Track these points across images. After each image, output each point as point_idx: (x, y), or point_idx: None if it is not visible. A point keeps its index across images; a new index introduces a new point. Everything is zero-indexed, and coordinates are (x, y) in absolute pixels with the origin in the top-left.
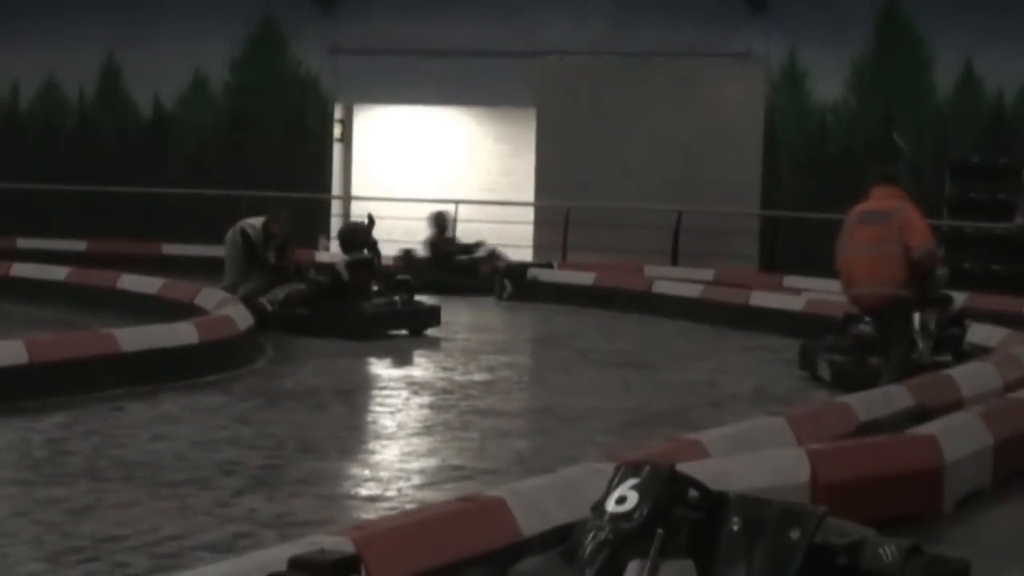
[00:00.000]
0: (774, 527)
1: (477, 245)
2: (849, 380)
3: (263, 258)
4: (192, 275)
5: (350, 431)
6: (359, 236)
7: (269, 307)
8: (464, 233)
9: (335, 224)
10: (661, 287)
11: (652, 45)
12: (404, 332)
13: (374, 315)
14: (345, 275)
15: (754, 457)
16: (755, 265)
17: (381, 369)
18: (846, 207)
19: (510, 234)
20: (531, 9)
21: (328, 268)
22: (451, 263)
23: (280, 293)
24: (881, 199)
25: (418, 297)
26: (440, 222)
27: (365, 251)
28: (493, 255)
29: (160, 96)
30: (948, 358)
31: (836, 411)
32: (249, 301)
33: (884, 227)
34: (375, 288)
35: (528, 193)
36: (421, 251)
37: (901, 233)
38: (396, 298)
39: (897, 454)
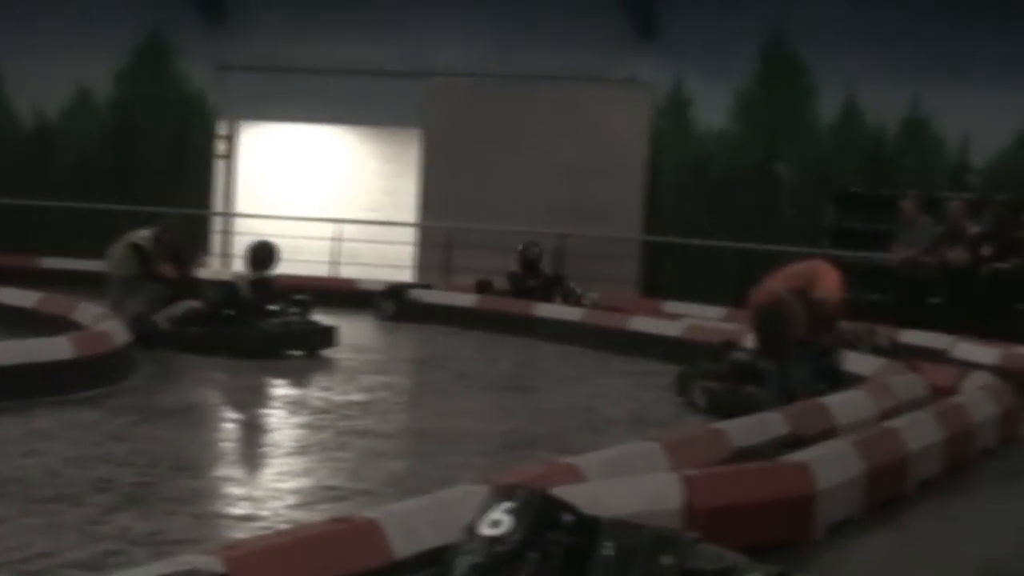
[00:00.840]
0: (646, 552)
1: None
2: (724, 407)
3: (155, 272)
4: (72, 290)
5: (225, 449)
6: (270, 255)
7: (163, 325)
8: (349, 253)
9: (216, 241)
10: (542, 310)
11: (539, 68)
12: (299, 352)
13: (271, 334)
14: (247, 293)
15: (629, 482)
16: (636, 290)
17: (259, 388)
18: (727, 234)
19: (392, 255)
20: (418, 30)
21: (226, 285)
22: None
23: (175, 311)
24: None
25: (316, 316)
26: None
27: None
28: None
29: (43, 107)
30: (824, 386)
31: (711, 437)
32: (142, 319)
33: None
34: (272, 307)
35: (412, 213)
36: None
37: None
38: (293, 317)
39: (770, 481)
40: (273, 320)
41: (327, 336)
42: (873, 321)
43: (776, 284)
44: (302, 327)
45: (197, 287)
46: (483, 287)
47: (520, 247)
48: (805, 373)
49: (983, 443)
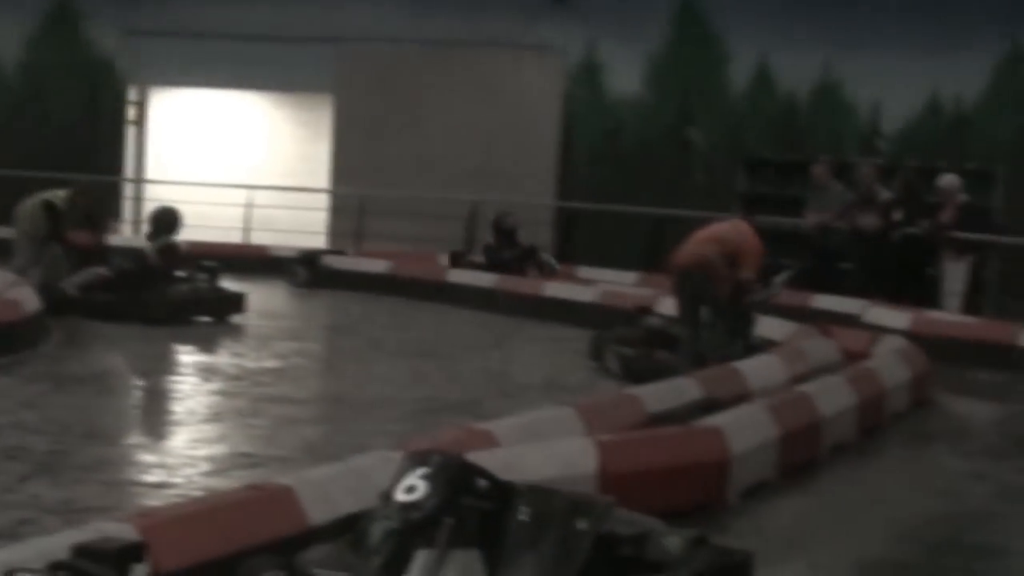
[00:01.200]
0: (561, 517)
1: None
2: (637, 372)
3: (64, 235)
4: None
5: (138, 417)
6: (173, 220)
7: (71, 291)
8: (262, 220)
9: (127, 208)
10: (456, 276)
11: (452, 34)
12: (208, 318)
13: (179, 301)
14: (155, 259)
15: (543, 447)
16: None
17: (172, 355)
18: (640, 199)
19: (306, 221)
20: None
21: (134, 252)
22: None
23: (82, 277)
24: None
25: (225, 283)
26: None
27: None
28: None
29: None
30: (735, 349)
31: (625, 402)
32: (49, 286)
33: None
34: (180, 274)
35: (325, 180)
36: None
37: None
38: (201, 284)
39: (684, 445)
40: (181, 287)
41: (236, 302)
42: (784, 286)
43: (703, 247)
44: (211, 293)
45: (105, 253)
46: (456, 258)
47: (494, 217)
48: (718, 338)
49: (895, 407)
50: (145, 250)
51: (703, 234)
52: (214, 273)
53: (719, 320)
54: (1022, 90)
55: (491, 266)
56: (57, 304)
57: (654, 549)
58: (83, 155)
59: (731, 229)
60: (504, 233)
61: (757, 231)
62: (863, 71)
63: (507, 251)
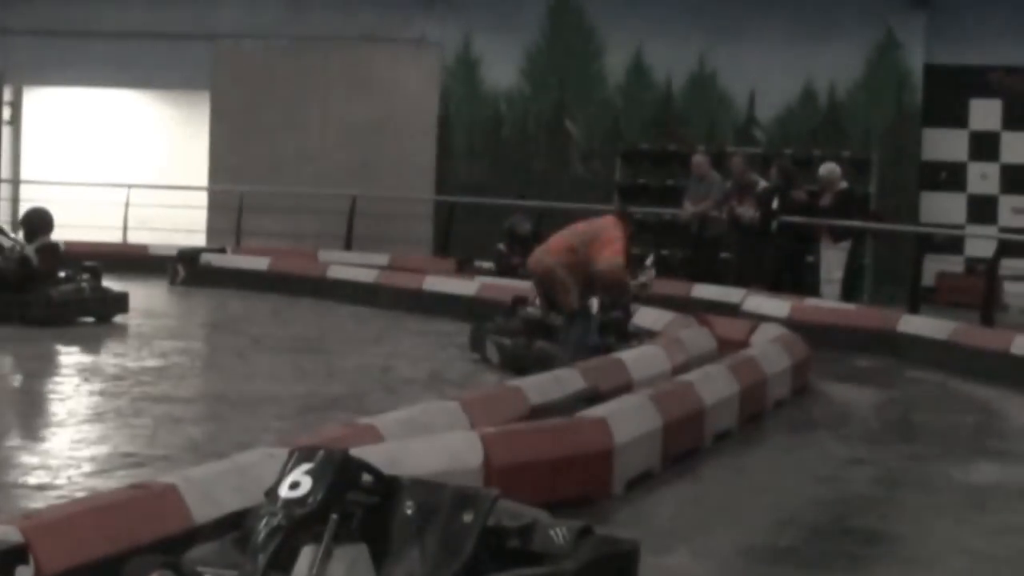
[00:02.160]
0: (447, 510)
1: None
2: (517, 362)
3: None
4: None
5: (18, 418)
6: (46, 221)
7: None
8: (140, 218)
9: (3, 209)
10: (336, 272)
11: (328, 29)
12: (90, 319)
13: (62, 302)
14: (34, 260)
15: (428, 441)
16: (429, 250)
17: (51, 356)
18: (519, 192)
19: (184, 219)
20: None
21: (12, 252)
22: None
23: None
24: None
25: (106, 283)
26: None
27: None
28: None
29: None
30: (611, 340)
31: (509, 394)
32: None
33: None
34: (62, 274)
35: (203, 177)
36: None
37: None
38: (84, 284)
39: (568, 437)
40: (64, 287)
41: (119, 302)
42: (663, 276)
43: (549, 257)
44: (93, 294)
45: None
46: (463, 265)
47: (508, 223)
48: (585, 330)
49: (776, 395)
50: (24, 251)
51: (557, 240)
52: (96, 273)
53: (585, 314)
54: (895, 77)
55: (501, 273)
56: None
57: (540, 540)
58: None
59: (588, 228)
60: (519, 239)
61: (634, 223)
62: (738, 61)
63: (518, 257)
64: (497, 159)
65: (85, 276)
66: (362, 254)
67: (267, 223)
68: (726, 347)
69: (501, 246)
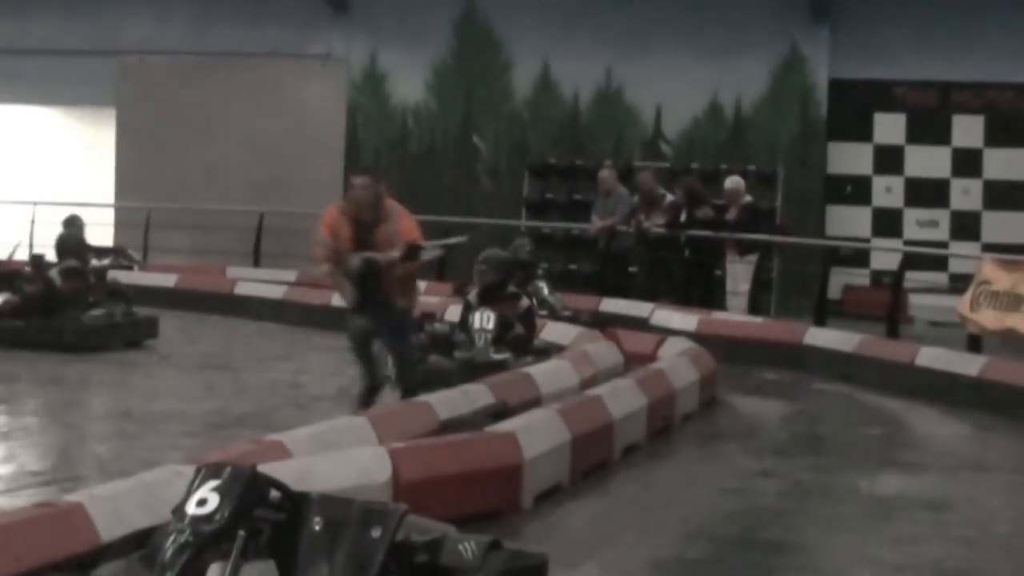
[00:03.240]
0: (355, 526)
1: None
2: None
3: None
4: None
5: None
6: (71, 243)
7: None
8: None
9: None
10: (243, 288)
11: (233, 45)
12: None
13: (93, 327)
14: (57, 282)
15: (336, 457)
16: None
17: None
18: (427, 207)
19: (91, 236)
20: (111, 7)
21: (37, 277)
22: None
23: None
24: None
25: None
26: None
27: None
28: None
29: None
30: (506, 356)
31: (417, 410)
32: None
33: None
34: (91, 299)
35: (111, 194)
36: None
37: None
38: (114, 309)
39: (477, 451)
40: (94, 313)
41: (149, 327)
42: (572, 290)
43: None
44: (124, 319)
45: (11, 281)
46: (459, 290)
47: (512, 246)
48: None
49: (684, 408)
50: (50, 274)
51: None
52: (126, 298)
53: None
54: (800, 91)
55: None
56: None
57: (449, 555)
58: None
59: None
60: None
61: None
62: (645, 75)
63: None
64: (405, 174)
65: (117, 301)
66: (270, 271)
67: (174, 240)
68: (633, 361)
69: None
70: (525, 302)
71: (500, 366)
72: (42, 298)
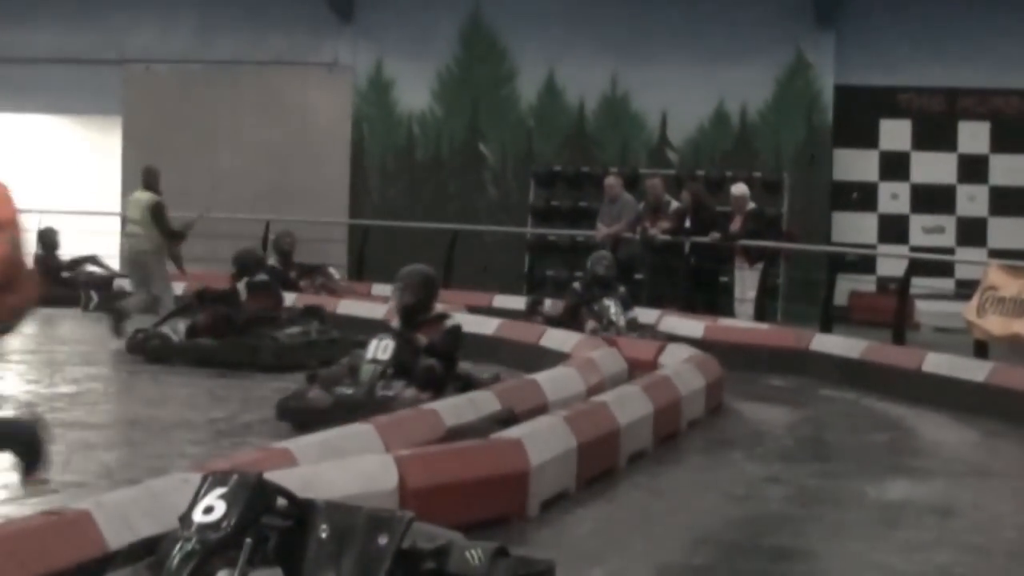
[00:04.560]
0: (362, 533)
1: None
2: None
3: None
4: None
5: None
6: (256, 259)
7: (175, 337)
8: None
9: None
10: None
11: (239, 54)
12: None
13: (291, 346)
14: (243, 295)
15: (343, 464)
16: (344, 274)
17: None
18: (433, 214)
19: (100, 245)
20: (116, 16)
21: (225, 294)
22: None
23: (180, 323)
24: None
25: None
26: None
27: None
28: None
29: None
30: (400, 393)
31: (423, 417)
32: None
33: None
34: (284, 316)
35: (117, 203)
36: None
37: None
38: (310, 327)
39: (483, 458)
40: (290, 331)
41: (346, 346)
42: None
43: None
44: (319, 336)
45: (203, 298)
46: (533, 307)
47: (590, 258)
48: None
49: (690, 415)
50: (237, 291)
51: None
52: (321, 315)
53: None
54: (806, 98)
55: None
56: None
57: (456, 562)
58: None
59: None
60: (598, 280)
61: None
62: (650, 82)
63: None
64: (411, 182)
65: (311, 319)
66: None
67: (183, 247)
68: (634, 368)
69: (577, 285)
70: (451, 323)
71: (382, 405)
72: (231, 316)
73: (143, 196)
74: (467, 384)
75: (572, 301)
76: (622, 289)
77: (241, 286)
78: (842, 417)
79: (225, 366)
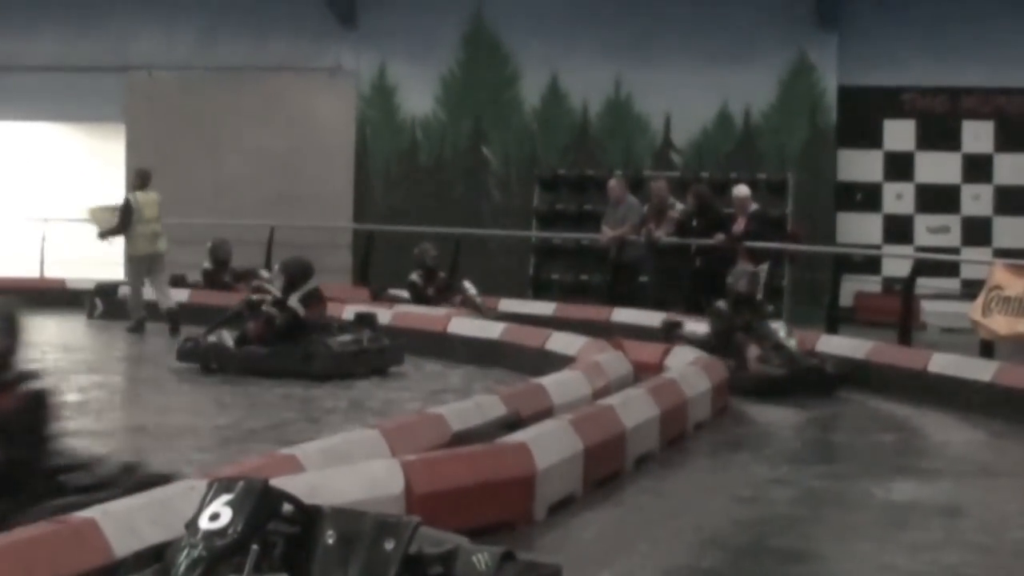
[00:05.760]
0: (369, 539)
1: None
2: None
3: None
4: None
5: None
6: (305, 268)
7: (231, 345)
8: (58, 252)
9: None
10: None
11: (242, 59)
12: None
13: (343, 354)
14: (301, 311)
15: (349, 470)
16: (349, 278)
17: None
18: (437, 219)
19: (104, 252)
20: (118, 23)
21: (279, 303)
22: None
23: (224, 332)
24: None
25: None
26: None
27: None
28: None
29: None
30: None
31: (429, 422)
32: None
33: None
34: (333, 324)
35: None
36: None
37: None
38: (362, 335)
39: (490, 463)
40: (342, 339)
41: (396, 354)
42: (582, 300)
43: None
44: (371, 344)
45: (253, 307)
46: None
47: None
48: None
49: (697, 417)
50: (290, 301)
51: None
52: (372, 323)
53: None
54: (809, 99)
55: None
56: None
57: (462, 567)
58: None
59: None
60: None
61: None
62: (653, 84)
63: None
64: (414, 186)
65: (364, 327)
66: None
67: (185, 255)
68: (639, 371)
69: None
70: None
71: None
72: (285, 324)
73: (155, 195)
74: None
75: (721, 325)
76: (770, 308)
77: (295, 298)
78: (848, 418)
79: (278, 375)
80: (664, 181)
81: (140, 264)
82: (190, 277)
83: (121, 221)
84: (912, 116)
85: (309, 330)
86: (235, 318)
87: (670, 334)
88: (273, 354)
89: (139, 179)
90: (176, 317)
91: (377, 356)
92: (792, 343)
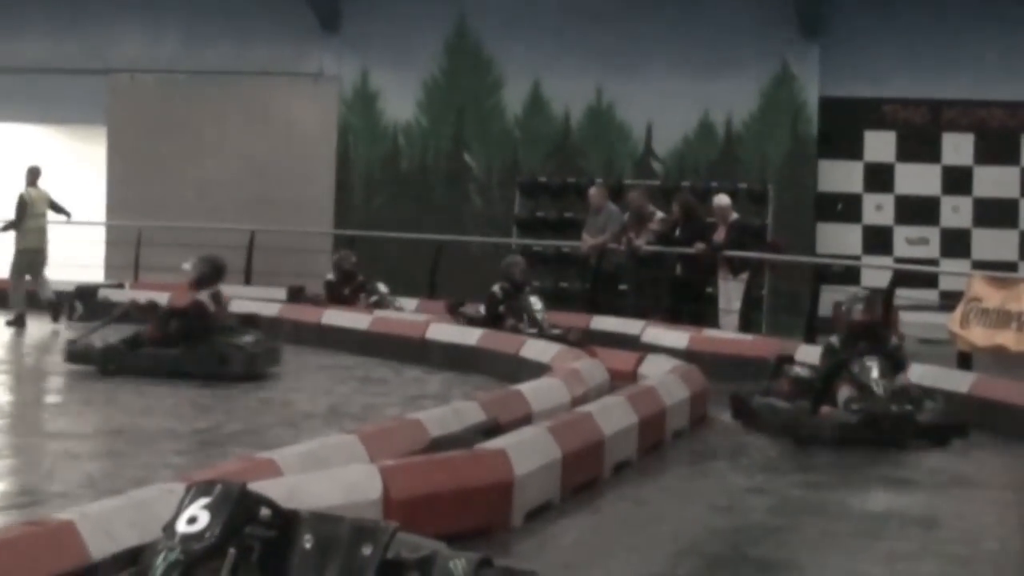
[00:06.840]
0: (346, 544)
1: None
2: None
3: None
4: None
5: None
6: (219, 268)
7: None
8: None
9: None
10: (234, 307)
11: (225, 64)
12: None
13: (254, 355)
14: (211, 308)
15: (327, 474)
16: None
17: None
18: (418, 225)
19: (82, 254)
20: (101, 26)
21: (192, 303)
22: None
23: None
24: None
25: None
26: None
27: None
28: None
29: None
30: None
31: (408, 427)
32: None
33: None
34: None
35: (102, 212)
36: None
37: None
38: (257, 337)
39: (468, 469)
40: (246, 339)
41: (275, 355)
42: (563, 307)
43: None
44: (259, 346)
45: (151, 309)
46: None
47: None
48: None
49: (675, 425)
50: (201, 299)
51: None
52: (257, 324)
53: None
54: (791, 109)
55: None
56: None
57: (440, 573)
58: None
59: None
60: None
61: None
62: (635, 93)
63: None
64: (396, 193)
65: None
66: (261, 288)
67: (166, 258)
68: (614, 378)
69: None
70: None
71: None
72: (197, 323)
73: (46, 192)
74: None
75: (828, 365)
76: (899, 337)
77: (205, 295)
78: None
79: (189, 376)
80: (640, 190)
81: (27, 257)
82: (309, 290)
83: (16, 216)
84: (893, 128)
85: (213, 331)
86: (122, 319)
87: (778, 371)
88: (186, 355)
89: (31, 176)
90: (57, 307)
91: (266, 358)
92: (882, 383)
